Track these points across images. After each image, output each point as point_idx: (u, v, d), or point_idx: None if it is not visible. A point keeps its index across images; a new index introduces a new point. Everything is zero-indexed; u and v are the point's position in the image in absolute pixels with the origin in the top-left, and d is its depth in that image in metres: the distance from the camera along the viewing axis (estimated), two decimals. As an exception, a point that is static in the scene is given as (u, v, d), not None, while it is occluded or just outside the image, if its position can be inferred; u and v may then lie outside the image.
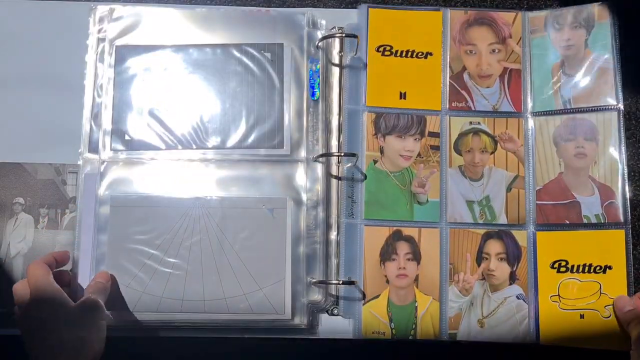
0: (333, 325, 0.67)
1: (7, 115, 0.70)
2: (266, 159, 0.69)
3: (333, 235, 0.69)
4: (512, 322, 0.67)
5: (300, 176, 0.69)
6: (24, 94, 0.70)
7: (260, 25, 0.71)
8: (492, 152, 0.71)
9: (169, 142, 0.69)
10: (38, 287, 0.58)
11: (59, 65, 0.71)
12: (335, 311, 0.68)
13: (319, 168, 0.69)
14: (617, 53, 0.71)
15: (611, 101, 0.70)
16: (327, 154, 0.69)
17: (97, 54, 0.70)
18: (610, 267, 0.67)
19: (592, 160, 0.69)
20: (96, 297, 0.60)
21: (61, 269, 0.65)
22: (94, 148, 0.68)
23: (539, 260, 0.68)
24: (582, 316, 0.67)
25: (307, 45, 0.71)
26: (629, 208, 0.68)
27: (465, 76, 0.72)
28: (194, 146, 0.69)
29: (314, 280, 0.67)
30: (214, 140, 0.69)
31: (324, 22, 0.73)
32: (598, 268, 0.67)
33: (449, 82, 0.72)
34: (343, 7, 0.74)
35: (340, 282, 0.67)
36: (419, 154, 0.70)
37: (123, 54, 0.70)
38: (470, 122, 0.71)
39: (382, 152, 0.70)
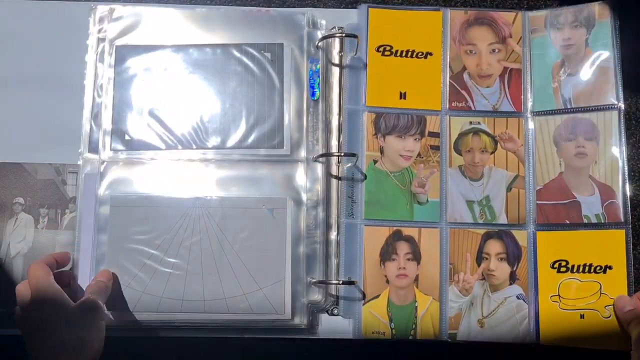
0: (333, 325, 0.67)
1: (7, 115, 0.70)
2: (266, 159, 0.69)
3: (333, 235, 0.69)
4: (512, 322, 0.67)
5: (300, 176, 0.69)
6: (24, 94, 0.70)
7: (260, 25, 0.71)
8: (492, 152, 0.70)
9: (169, 142, 0.69)
10: (39, 288, 0.59)
11: (59, 65, 0.71)
12: (335, 311, 0.68)
13: (319, 168, 0.69)
14: (618, 52, 0.70)
15: (612, 100, 0.70)
16: (327, 154, 0.69)
17: (97, 54, 0.70)
18: (610, 267, 0.67)
19: (592, 160, 0.69)
20: (95, 298, 0.60)
21: (62, 269, 0.65)
22: (94, 148, 0.69)
23: (539, 260, 0.68)
24: (582, 316, 0.66)
25: (307, 45, 0.71)
26: (629, 208, 0.68)
27: (465, 76, 0.72)
28: (194, 146, 0.69)
29: (314, 280, 0.67)
30: (214, 140, 0.69)
31: (324, 22, 0.73)
32: (598, 268, 0.67)
33: (449, 82, 0.72)
34: (343, 7, 0.74)
35: (340, 282, 0.67)
36: (419, 154, 0.70)
37: (123, 54, 0.70)
38: (470, 122, 0.71)
39: (382, 152, 0.70)
